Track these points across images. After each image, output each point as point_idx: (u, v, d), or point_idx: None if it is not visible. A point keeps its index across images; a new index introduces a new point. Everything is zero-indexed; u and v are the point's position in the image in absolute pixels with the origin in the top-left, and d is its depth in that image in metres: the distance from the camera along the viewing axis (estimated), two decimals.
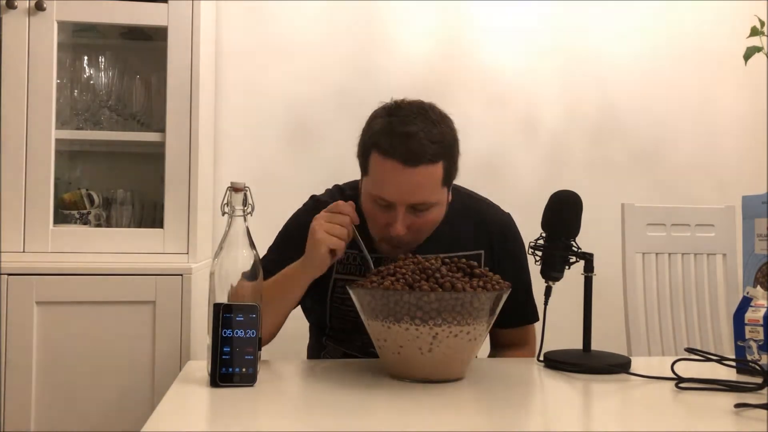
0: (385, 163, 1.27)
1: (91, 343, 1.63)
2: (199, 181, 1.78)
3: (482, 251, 1.46)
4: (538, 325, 1.49)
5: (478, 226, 1.46)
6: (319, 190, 1.65)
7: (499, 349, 1.57)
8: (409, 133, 1.26)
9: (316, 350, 1.56)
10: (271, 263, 1.36)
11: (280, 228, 1.51)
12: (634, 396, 1.11)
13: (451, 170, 1.34)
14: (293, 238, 1.39)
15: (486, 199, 1.54)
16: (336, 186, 1.54)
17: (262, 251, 1.17)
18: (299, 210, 1.51)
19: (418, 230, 1.33)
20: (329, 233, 1.25)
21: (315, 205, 1.47)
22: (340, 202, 1.29)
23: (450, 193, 1.40)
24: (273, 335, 1.37)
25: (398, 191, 1.28)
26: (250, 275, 1.11)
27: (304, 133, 2.25)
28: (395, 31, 2.30)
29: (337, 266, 1.42)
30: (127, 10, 1.79)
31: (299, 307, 1.46)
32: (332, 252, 1.26)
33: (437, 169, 1.29)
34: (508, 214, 1.53)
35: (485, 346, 1.61)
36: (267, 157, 2.23)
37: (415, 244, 1.36)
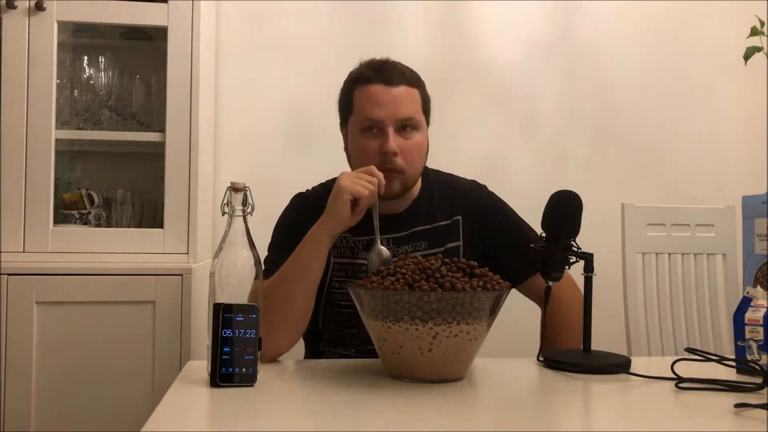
0: (368, 89, 1.40)
1: (91, 343, 1.63)
2: (199, 181, 1.78)
3: (458, 217, 1.50)
4: (536, 328, 1.49)
5: (450, 195, 1.52)
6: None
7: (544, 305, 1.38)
8: (385, 61, 1.44)
9: (312, 357, 1.54)
10: (273, 263, 1.36)
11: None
12: (634, 396, 1.11)
13: (426, 101, 1.46)
14: (288, 236, 1.39)
15: (456, 175, 1.60)
16: (320, 184, 1.55)
17: (262, 251, 1.16)
18: (287, 210, 1.51)
19: (407, 155, 1.40)
20: (354, 183, 1.27)
21: (301, 202, 1.50)
22: (372, 166, 1.31)
23: (427, 138, 1.47)
24: (306, 320, 1.31)
25: (385, 109, 1.38)
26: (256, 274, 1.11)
27: (304, 133, 2.25)
28: (395, 30, 2.30)
29: (331, 250, 1.40)
30: (127, 10, 1.79)
31: None
32: (354, 204, 1.27)
33: (416, 93, 1.43)
34: (476, 182, 1.59)
35: (485, 347, 1.61)
36: (267, 156, 2.23)
37: (408, 176, 1.42)
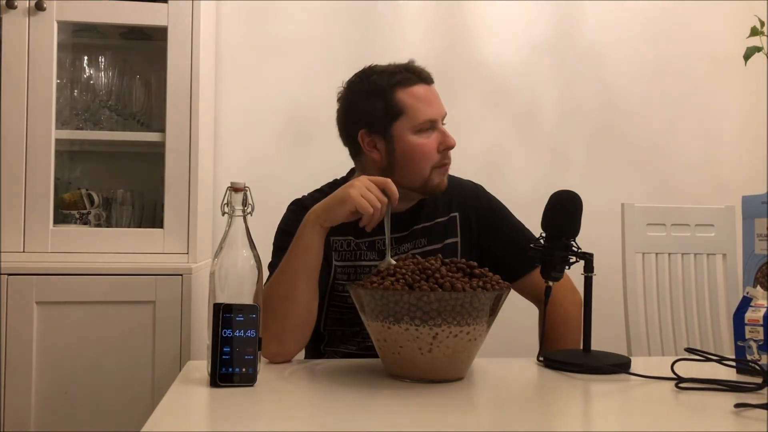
0: (414, 90, 1.41)
1: (91, 343, 1.63)
2: (199, 181, 1.78)
3: (456, 214, 1.51)
4: (535, 328, 1.49)
5: (448, 192, 1.50)
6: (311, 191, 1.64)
7: (547, 307, 1.39)
8: (411, 61, 1.47)
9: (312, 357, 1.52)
10: (275, 269, 1.34)
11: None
12: (634, 396, 1.11)
13: None
14: (288, 242, 1.33)
15: (451, 174, 1.57)
16: (316, 190, 1.52)
17: (262, 251, 1.16)
18: (286, 217, 1.47)
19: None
20: (363, 196, 1.23)
21: (298, 208, 1.44)
22: (389, 181, 1.27)
23: None
24: (313, 317, 1.30)
25: (436, 106, 1.43)
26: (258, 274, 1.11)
27: (304, 133, 2.25)
28: (395, 30, 2.30)
29: (334, 254, 1.42)
30: (127, 10, 1.79)
31: None
32: (354, 213, 1.24)
33: None
34: (472, 182, 1.60)
35: (486, 347, 1.61)
36: (267, 156, 2.23)
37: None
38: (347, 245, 1.44)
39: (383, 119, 1.41)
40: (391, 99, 1.40)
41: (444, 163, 1.43)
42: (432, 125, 1.41)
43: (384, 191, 1.26)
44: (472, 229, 1.51)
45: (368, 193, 1.24)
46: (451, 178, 1.56)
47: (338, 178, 1.55)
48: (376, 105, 1.41)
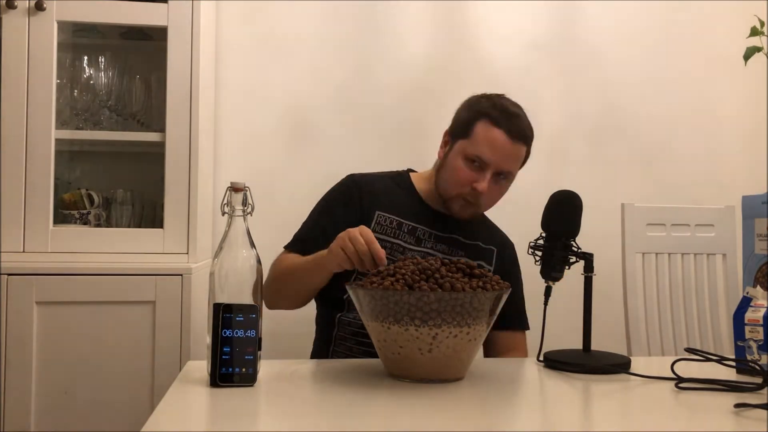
0: (492, 130, 1.50)
1: (91, 343, 1.63)
2: (199, 181, 1.78)
3: (495, 249, 1.65)
4: (536, 328, 1.49)
5: (496, 228, 1.71)
6: (319, 190, 1.65)
7: (493, 354, 1.63)
8: (518, 114, 1.54)
9: (323, 343, 1.57)
10: (297, 236, 1.58)
11: (280, 227, 1.54)
12: (634, 396, 1.11)
13: (527, 158, 1.58)
14: (323, 212, 1.60)
15: None
16: (377, 172, 1.67)
17: (262, 251, 1.16)
18: (335, 186, 1.64)
19: (491, 196, 1.54)
20: (346, 252, 1.27)
21: (349, 181, 1.63)
22: (379, 253, 1.27)
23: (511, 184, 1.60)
24: (303, 301, 1.55)
25: (496, 156, 1.50)
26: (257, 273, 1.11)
27: (304, 133, 2.25)
28: (396, 30, 2.30)
29: (375, 226, 1.55)
30: (127, 10, 1.79)
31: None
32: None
33: (524, 151, 1.55)
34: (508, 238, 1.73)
35: (486, 346, 1.61)
36: (267, 156, 2.22)
37: (479, 212, 1.58)
38: (390, 222, 1.56)
39: (458, 131, 1.56)
40: (473, 123, 1.53)
41: (467, 200, 1.52)
42: (482, 164, 1.50)
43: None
44: (498, 265, 1.63)
45: (352, 254, 1.27)
46: (494, 226, 1.71)
47: (400, 170, 1.71)
48: (465, 119, 1.56)
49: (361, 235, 1.27)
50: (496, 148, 1.49)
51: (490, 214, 1.68)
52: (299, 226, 1.62)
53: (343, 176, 1.65)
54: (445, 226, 1.59)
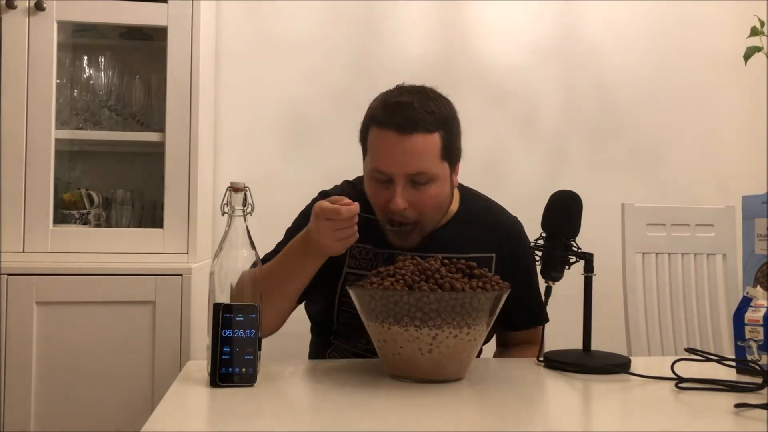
0: (381, 134, 1.28)
1: (91, 343, 1.63)
2: (199, 181, 1.78)
3: (493, 254, 1.44)
4: None
5: (489, 228, 1.45)
6: (319, 190, 1.65)
7: (506, 348, 1.57)
8: (403, 102, 1.27)
9: (320, 347, 1.52)
10: (273, 252, 1.38)
11: (280, 228, 1.51)
12: (634, 396, 1.11)
13: (450, 144, 1.31)
14: (299, 229, 1.33)
15: (494, 202, 1.54)
16: (345, 181, 1.52)
17: (262, 251, 1.16)
18: (309, 205, 1.46)
19: (420, 208, 1.30)
20: (336, 239, 1.20)
21: (320, 198, 1.43)
22: (345, 201, 1.19)
23: (455, 175, 1.37)
24: (278, 325, 1.32)
25: (394, 161, 1.26)
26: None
27: (303, 133, 2.25)
28: (395, 30, 2.30)
29: (349, 260, 1.39)
30: (127, 10, 1.79)
31: (300, 307, 1.46)
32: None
33: (434, 139, 1.27)
34: (516, 218, 1.52)
35: (489, 346, 1.61)
36: (267, 157, 2.23)
37: (425, 227, 1.33)
38: (365, 253, 1.39)
39: (362, 145, 1.36)
40: (366, 134, 1.33)
41: (396, 220, 1.30)
42: (385, 177, 1.28)
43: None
44: (504, 267, 1.44)
45: (337, 234, 1.19)
46: (498, 212, 1.50)
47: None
48: (361, 131, 1.36)
49: (327, 209, 1.17)
50: (388, 153, 1.26)
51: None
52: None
53: (343, 176, 1.57)
54: (426, 245, 1.35)
